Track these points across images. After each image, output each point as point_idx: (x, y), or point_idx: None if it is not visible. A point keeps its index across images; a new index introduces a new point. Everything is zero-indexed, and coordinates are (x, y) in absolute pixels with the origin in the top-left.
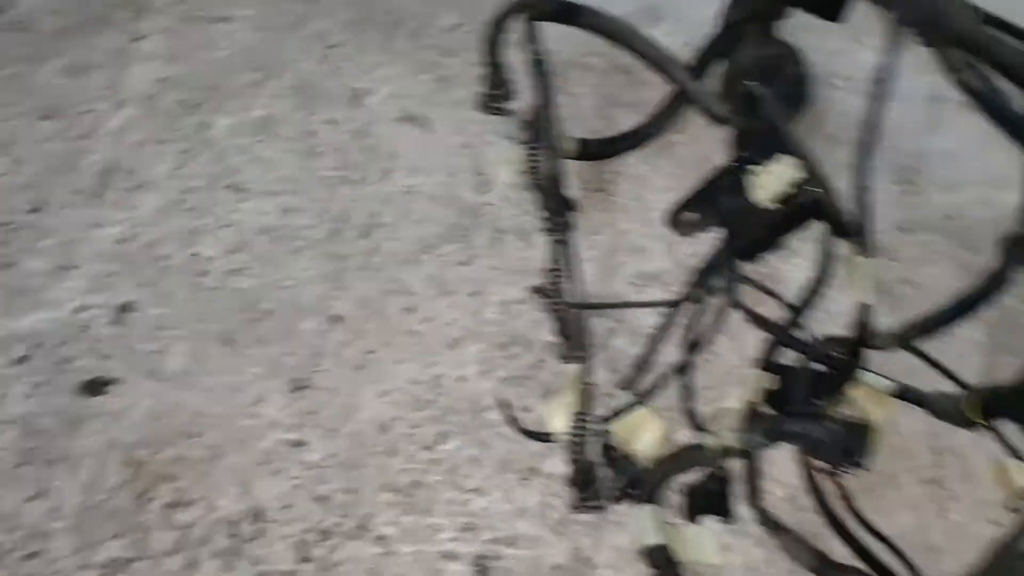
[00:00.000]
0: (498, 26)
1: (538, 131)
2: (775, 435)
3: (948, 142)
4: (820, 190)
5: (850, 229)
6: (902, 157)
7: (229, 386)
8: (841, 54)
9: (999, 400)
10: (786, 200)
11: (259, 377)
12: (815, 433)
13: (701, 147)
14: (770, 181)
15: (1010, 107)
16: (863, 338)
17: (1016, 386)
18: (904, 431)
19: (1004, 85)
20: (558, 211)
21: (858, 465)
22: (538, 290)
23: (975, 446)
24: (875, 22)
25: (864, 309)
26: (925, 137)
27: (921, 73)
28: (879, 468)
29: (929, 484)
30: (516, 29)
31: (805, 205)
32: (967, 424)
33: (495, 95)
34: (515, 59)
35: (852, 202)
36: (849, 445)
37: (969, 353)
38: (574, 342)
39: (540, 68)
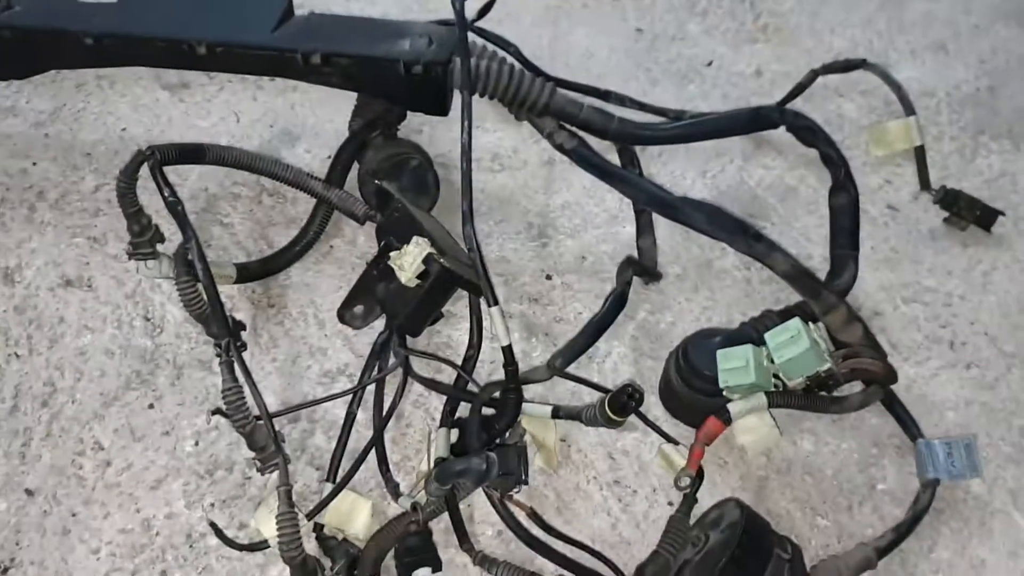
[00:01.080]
0: (128, 178)
1: (189, 266)
2: (446, 479)
3: (567, 195)
4: (442, 260)
5: (473, 288)
6: (533, 217)
7: None
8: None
9: (624, 399)
10: (423, 275)
11: None
12: (476, 467)
13: (359, 246)
14: (406, 262)
15: (596, 157)
16: (513, 376)
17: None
18: (582, 445)
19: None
20: (223, 335)
21: (521, 482)
22: (217, 411)
23: (642, 442)
24: (490, 109)
25: (505, 351)
26: (548, 195)
27: (535, 143)
28: (567, 483)
29: (611, 486)
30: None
31: (438, 276)
32: (612, 424)
33: (140, 242)
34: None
35: (471, 263)
36: (507, 468)
37: (621, 364)
38: (265, 452)
39: (175, 209)
